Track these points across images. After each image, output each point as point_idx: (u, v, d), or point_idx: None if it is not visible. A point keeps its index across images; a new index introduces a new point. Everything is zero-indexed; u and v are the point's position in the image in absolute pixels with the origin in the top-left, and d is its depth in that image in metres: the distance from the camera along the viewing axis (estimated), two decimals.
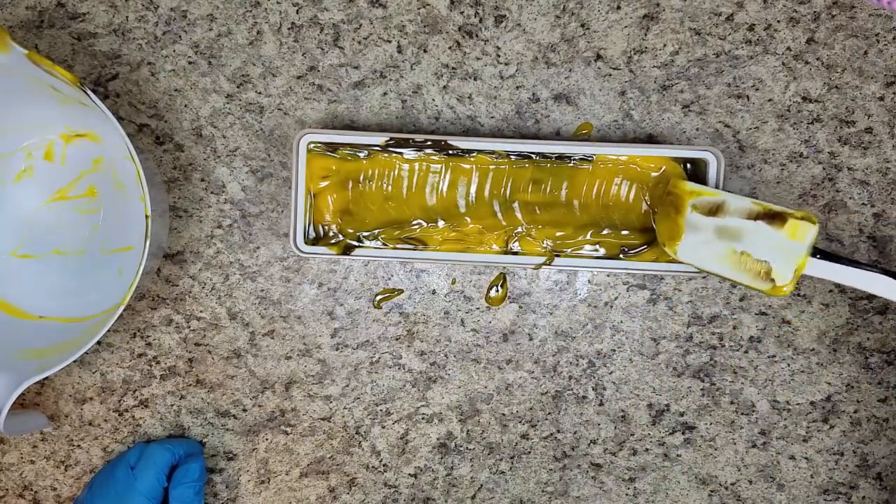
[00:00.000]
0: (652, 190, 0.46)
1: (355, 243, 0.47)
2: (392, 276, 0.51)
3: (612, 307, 0.50)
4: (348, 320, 0.51)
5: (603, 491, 0.51)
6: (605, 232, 0.47)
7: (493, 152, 0.46)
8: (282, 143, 0.50)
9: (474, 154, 0.46)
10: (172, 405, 0.52)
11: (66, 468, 0.52)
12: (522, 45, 0.49)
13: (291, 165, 0.47)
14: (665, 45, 0.48)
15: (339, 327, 0.51)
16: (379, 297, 0.51)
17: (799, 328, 0.50)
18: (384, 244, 0.47)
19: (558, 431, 0.51)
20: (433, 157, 0.46)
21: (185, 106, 0.50)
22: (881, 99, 0.48)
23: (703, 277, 0.49)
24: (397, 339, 0.51)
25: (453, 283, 0.50)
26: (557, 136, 0.49)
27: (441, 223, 0.47)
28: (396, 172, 0.47)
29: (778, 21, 0.48)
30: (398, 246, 0.47)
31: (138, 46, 0.50)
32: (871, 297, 0.49)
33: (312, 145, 0.46)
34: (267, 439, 0.52)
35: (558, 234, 0.47)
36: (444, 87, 0.49)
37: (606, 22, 0.48)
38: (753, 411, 0.50)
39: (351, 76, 0.49)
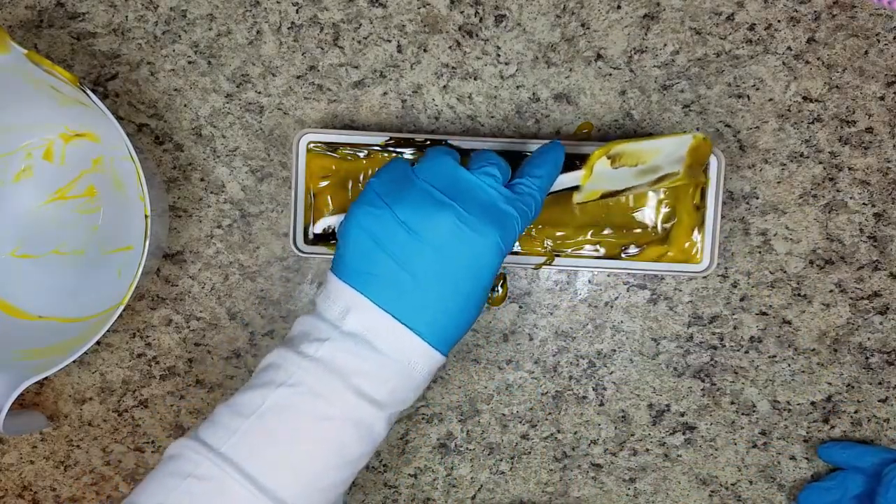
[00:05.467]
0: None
1: None
2: None
3: (612, 307, 0.50)
4: None
5: (603, 491, 0.51)
6: (605, 232, 0.47)
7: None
8: (281, 142, 0.50)
9: None
10: (172, 405, 0.51)
11: (65, 468, 0.52)
12: (522, 45, 0.49)
13: (291, 165, 0.47)
14: (665, 45, 0.48)
15: None
16: None
17: (799, 328, 0.50)
18: None
19: (558, 431, 0.51)
20: None
21: (185, 106, 0.50)
22: (882, 99, 0.48)
23: (704, 277, 0.49)
24: None
25: None
26: (558, 135, 0.49)
27: None
28: None
29: (778, 21, 0.48)
30: None
31: (138, 46, 0.50)
32: (871, 297, 0.49)
33: (312, 145, 0.46)
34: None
35: (558, 233, 0.47)
36: (444, 86, 0.49)
37: (607, 21, 0.48)
38: (754, 411, 0.50)
39: (351, 76, 0.49)
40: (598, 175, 0.41)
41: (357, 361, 0.36)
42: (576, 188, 0.42)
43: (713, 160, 0.45)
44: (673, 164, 0.43)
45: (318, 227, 0.42)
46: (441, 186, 0.37)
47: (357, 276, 0.37)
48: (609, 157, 0.41)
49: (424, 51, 0.49)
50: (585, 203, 0.43)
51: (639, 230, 0.46)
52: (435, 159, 0.38)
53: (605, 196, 0.43)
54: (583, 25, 0.48)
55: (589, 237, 0.47)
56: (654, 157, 0.42)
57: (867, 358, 0.49)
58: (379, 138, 0.46)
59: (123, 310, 0.43)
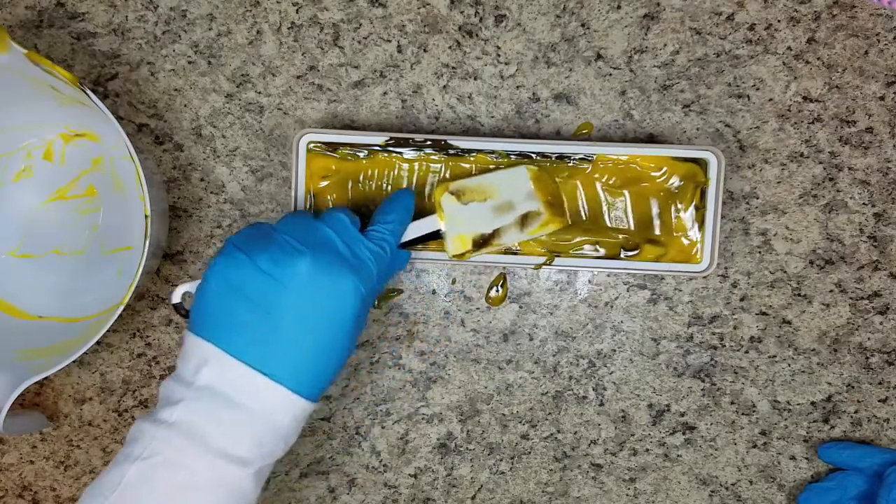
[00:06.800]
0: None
1: None
2: (392, 275, 0.50)
3: (612, 307, 0.50)
4: None
5: (603, 491, 0.51)
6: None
7: (493, 152, 0.46)
8: (282, 142, 0.50)
9: (474, 154, 0.46)
10: None
11: (65, 468, 0.52)
12: (522, 45, 0.49)
13: (291, 165, 0.47)
14: (665, 45, 0.48)
15: None
16: (379, 297, 0.50)
17: (799, 328, 0.50)
18: None
19: (558, 431, 0.51)
20: (433, 157, 0.46)
21: (185, 106, 0.50)
22: (882, 98, 0.48)
23: (704, 277, 0.49)
24: (397, 339, 0.51)
25: (453, 283, 0.50)
26: (557, 135, 0.49)
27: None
28: (396, 172, 0.47)
29: (778, 21, 0.48)
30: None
31: (138, 46, 0.50)
32: (871, 297, 0.49)
33: (312, 145, 0.46)
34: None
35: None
36: (444, 86, 0.49)
37: (607, 21, 0.48)
38: (754, 411, 0.50)
39: (351, 76, 0.49)
40: (453, 214, 0.44)
41: (214, 419, 0.35)
42: (439, 234, 0.44)
43: (713, 160, 0.45)
44: (527, 200, 0.45)
45: (177, 296, 0.41)
46: (299, 237, 0.38)
47: (214, 328, 0.36)
48: (453, 194, 0.44)
49: (424, 51, 0.49)
50: (463, 256, 0.45)
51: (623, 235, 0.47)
52: (292, 215, 0.40)
53: (478, 245, 0.45)
54: (583, 25, 0.48)
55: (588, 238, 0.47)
56: (497, 190, 0.45)
57: (867, 358, 0.49)
58: (379, 138, 0.46)
59: (123, 310, 0.43)
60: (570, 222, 0.46)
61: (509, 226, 0.45)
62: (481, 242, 0.45)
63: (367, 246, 0.39)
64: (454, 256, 0.45)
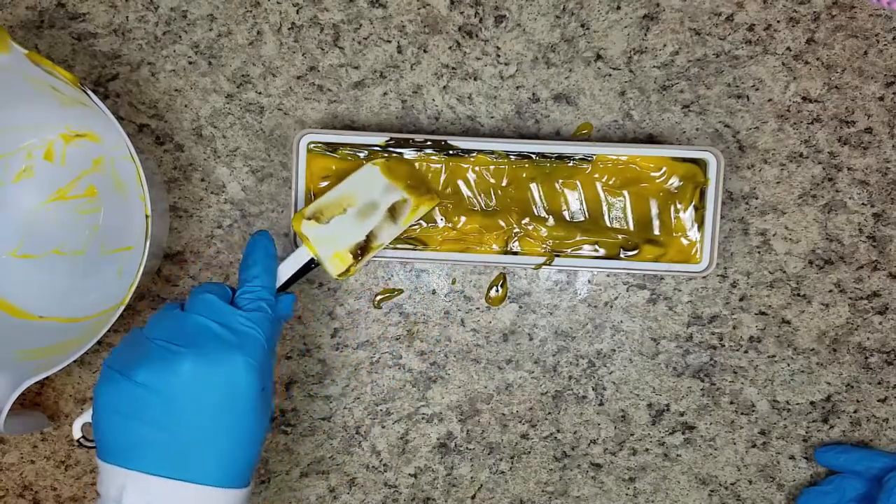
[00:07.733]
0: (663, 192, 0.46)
1: None
2: (392, 276, 0.51)
3: (612, 307, 0.50)
4: (348, 320, 0.51)
5: (603, 491, 0.51)
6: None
7: (492, 152, 0.46)
8: (282, 143, 0.50)
9: (474, 154, 0.46)
10: None
11: (66, 468, 0.52)
12: (522, 45, 0.49)
13: (291, 165, 0.47)
14: (665, 45, 0.48)
15: (339, 327, 0.51)
16: (379, 297, 0.51)
17: (799, 328, 0.50)
18: None
19: (558, 431, 0.51)
20: (433, 157, 0.46)
21: (185, 106, 0.50)
22: (881, 99, 0.48)
23: (704, 277, 0.49)
24: (397, 339, 0.51)
25: (453, 283, 0.50)
26: (557, 136, 0.49)
27: (441, 222, 0.47)
28: None
29: (778, 21, 0.48)
30: (398, 246, 0.47)
31: (138, 46, 0.50)
32: (870, 297, 0.49)
33: (312, 145, 0.46)
34: (267, 439, 0.51)
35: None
36: (444, 87, 0.49)
37: (606, 22, 0.48)
38: (753, 411, 0.50)
39: (351, 76, 0.49)
40: (319, 238, 0.43)
41: None
42: (315, 263, 0.43)
43: (712, 160, 0.45)
44: (388, 194, 0.44)
45: (77, 430, 0.40)
46: (171, 337, 0.36)
47: (120, 452, 0.36)
48: (311, 219, 0.43)
49: (424, 51, 0.49)
50: (348, 272, 0.43)
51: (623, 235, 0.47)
52: (160, 312, 0.38)
53: (358, 256, 0.43)
54: (582, 26, 0.48)
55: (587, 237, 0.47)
56: (354, 196, 0.44)
57: (866, 358, 0.50)
58: (379, 139, 0.46)
59: (124, 310, 0.43)
60: (440, 200, 0.45)
61: (381, 224, 0.44)
62: (360, 252, 0.43)
63: (244, 316, 0.37)
64: (339, 276, 0.43)
